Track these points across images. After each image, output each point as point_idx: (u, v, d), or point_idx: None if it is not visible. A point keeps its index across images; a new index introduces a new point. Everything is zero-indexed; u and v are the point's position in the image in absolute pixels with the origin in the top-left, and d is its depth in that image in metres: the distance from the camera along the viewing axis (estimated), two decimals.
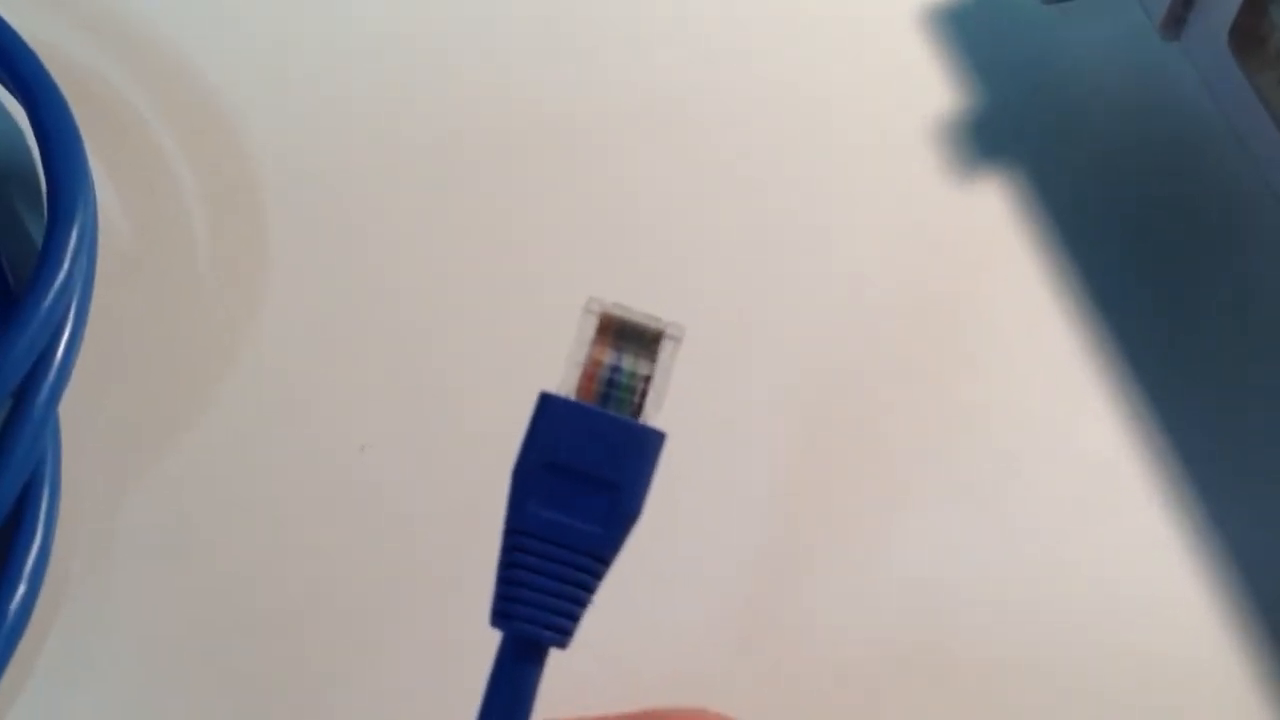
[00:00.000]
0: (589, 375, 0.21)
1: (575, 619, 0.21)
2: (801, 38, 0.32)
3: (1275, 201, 0.29)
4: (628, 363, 0.21)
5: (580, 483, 0.20)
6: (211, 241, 0.29)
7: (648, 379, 0.21)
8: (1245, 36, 0.29)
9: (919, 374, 0.28)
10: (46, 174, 0.26)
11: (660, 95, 0.31)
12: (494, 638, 0.21)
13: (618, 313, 0.21)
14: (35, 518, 0.25)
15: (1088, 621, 0.26)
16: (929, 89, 0.31)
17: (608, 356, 0.21)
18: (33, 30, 0.28)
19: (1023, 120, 0.31)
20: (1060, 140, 0.30)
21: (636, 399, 0.21)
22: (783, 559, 0.26)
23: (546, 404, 0.20)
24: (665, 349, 0.21)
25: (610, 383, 0.21)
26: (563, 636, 0.21)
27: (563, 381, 0.21)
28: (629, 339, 0.21)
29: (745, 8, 0.32)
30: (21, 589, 0.24)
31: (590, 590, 0.21)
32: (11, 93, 0.28)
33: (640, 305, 0.21)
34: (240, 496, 0.26)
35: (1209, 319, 0.29)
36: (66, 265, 0.25)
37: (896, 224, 0.29)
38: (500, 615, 0.21)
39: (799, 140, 0.30)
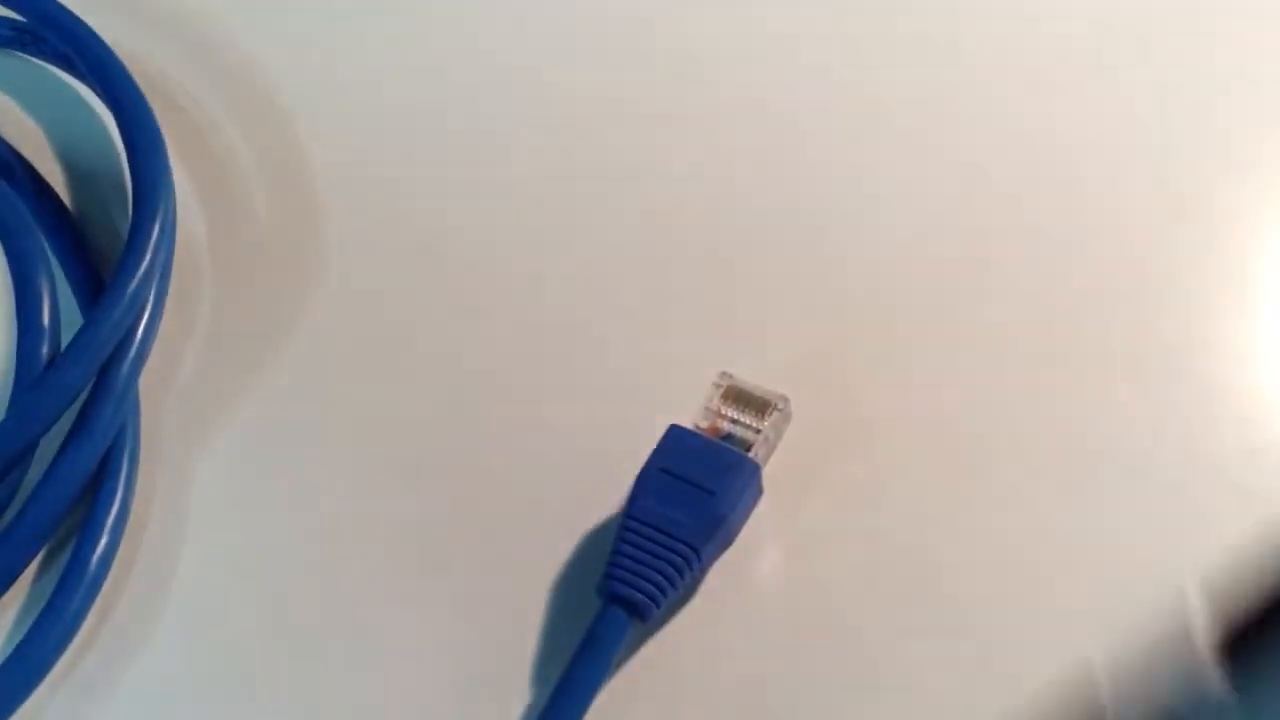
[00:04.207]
0: (712, 425, 0.27)
1: (665, 593, 0.25)
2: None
3: None
4: (744, 418, 0.27)
5: (687, 487, 0.26)
6: (274, 230, 0.31)
7: (758, 431, 0.27)
8: None
9: None
10: (132, 173, 0.29)
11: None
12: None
13: (738, 384, 0.27)
14: (116, 478, 0.27)
15: None
16: None
17: (729, 411, 0.27)
18: (118, 40, 0.31)
19: None
20: None
21: (748, 444, 0.26)
22: None
23: (672, 431, 0.26)
24: (772, 415, 0.27)
25: (728, 436, 0.27)
26: (651, 605, 0.25)
27: (694, 424, 0.27)
28: (746, 402, 0.27)
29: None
30: (104, 540, 0.27)
31: (680, 574, 0.25)
32: (104, 100, 0.31)
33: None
34: (299, 463, 0.29)
35: None
36: (149, 256, 0.28)
37: None
38: (604, 579, 0.25)
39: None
